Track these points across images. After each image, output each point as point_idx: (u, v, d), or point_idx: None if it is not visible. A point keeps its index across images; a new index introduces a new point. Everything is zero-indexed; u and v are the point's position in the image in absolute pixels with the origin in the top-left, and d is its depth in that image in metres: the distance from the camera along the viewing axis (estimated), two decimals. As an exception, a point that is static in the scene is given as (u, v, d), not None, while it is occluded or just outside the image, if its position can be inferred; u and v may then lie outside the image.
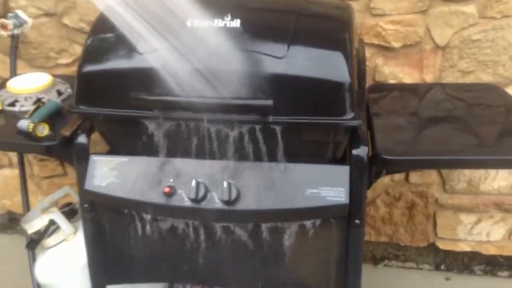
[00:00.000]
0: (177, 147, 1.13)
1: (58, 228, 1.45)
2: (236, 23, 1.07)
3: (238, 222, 1.15)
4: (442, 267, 1.92)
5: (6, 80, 1.45)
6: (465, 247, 1.83)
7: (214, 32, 1.05)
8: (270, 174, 1.11)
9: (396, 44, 1.53)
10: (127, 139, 1.17)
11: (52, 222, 1.45)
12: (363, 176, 1.11)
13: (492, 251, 1.82)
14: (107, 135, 1.20)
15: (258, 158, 1.10)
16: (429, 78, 1.56)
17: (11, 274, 1.88)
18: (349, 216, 1.12)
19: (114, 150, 1.22)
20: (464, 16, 1.49)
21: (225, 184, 1.10)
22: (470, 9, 1.48)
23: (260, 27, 1.09)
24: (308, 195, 1.10)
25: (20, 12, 1.59)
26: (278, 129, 1.05)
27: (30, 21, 1.59)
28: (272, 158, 1.10)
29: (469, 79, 1.55)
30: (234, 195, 1.10)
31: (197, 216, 1.15)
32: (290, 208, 1.10)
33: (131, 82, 1.08)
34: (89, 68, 1.12)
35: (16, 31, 1.57)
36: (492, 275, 1.89)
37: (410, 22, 1.51)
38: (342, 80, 1.03)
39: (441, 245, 1.85)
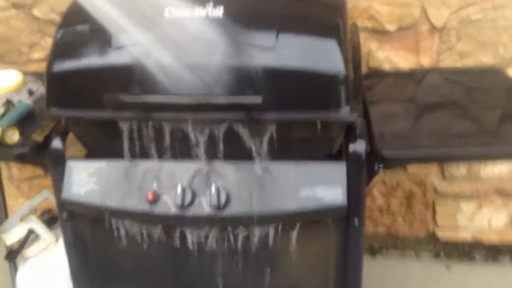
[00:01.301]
0: (160, 148, 1.03)
1: (38, 236, 1.37)
2: (219, 11, 0.97)
3: (229, 228, 1.07)
4: (442, 255, 1.87)
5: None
6: (465, 236, 1.77)
7: (195, 22, 0.96)
8: (261, 174, 1.03)
9: (390, 27, 1.44)
10: (105, 142, 1.08)
11: (31, 231, 1.37)
12: (361, 173, 1.03)
13: (493, 238, 1.76)
14: (83, 138, 1.10)
15: (247, 157, 1.02)
16: (426, 61, 1.48)
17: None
18: (347, 217, 1.05)
19: (92, 153, 1.13)
20: (462, -6, 1.41)
21: (213, 188, 1.02)
22: (468, -13, 1.41)
23: (245, 15, 1.00)
24: (302, 196, 1.02)
25: (-15, 5, 1.48)
26: (268, 126, 0.97)
27: (-2, 14, 1.49)
28: (263, 156, 1.02)
29: (468, 61, 1.48)
30: (223, 199, 1.02)
31: (185, 223, 1.07)
32: (284, 210, 1.02)
33: (106, 80, 0.98)
34: (59, 66, 1.02)
35: (-18, 26, 1.46)
36: (494, 261, 1.84)
37: (405, 2, 1.43)
38: (336, 71, 0.95)
39: (441, 234, 1.79)
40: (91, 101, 0.98)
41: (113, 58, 0.97)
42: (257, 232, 1.07)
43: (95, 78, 0.99)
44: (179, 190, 1.02)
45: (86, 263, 1.20)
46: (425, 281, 1.82)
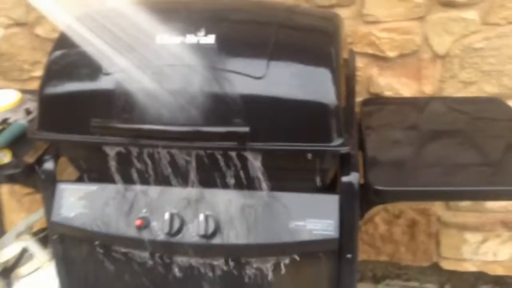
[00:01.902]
0: (149, 174, 1.02)
1: (32, 255, 1.37)
2: (211, 39, 0.96)
3: (216, 257, 1.04)
4: (447, 287, 1.81)
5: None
6: (470, 267, 1.71)
7: (185, 49, 0.95)
8: (251, 204, 1.00)
9: (391, 54, 1.42)
10: (96, 166, 1.08)
11: (26, 250, 1.36)
12: (354, 206, 1.00)
13: (499, 271, 1.70)
14: (74, 161, 1.10)
15: (237, 186, 1.00)
16: (428, 89, 1.45)
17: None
18: (339, 250, 1.02)
19: (83, 176, 1.12)
20: (465, 22, 1.38)
21: (201, 216, 1.00)
22: (471, 15, 1.37)
23: (237, 43, 0.99)
24: (293, 228, 0.99)
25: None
26: (256, 156, 0.95)
27: (1, 31, 1.50)
28: (253, 186, 1.00)
29: (472, 90, 1.44)
30: (211, 228, 1.00)
31: (172, 250, 1.05)
32: (273, 242, 1.00)
33: (95, 105, 0.98)
34: (50, 90, 1.02)
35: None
36: (501, 293, 1.78)
37: (406, 29, 1.40)
38: (327, 102, 0.92)
39: (445, 265, 1.73)
40: (81, 126, 0.97)
41: (102, 84, 0.97)
42: (245, 262, 1.04)
43: (85, 103, 0.99)
44: (166, 217, 1.01)
45: (76, 284, 1.19)
46: (429, 312, 1.77)
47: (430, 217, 1.65)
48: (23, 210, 1.91)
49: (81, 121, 0.97)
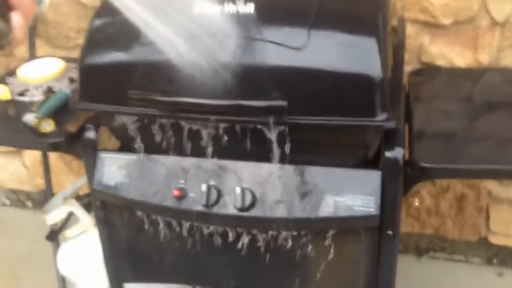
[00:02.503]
0: (189, 146, 1.01)
1: (78, 219, 1.41)
2: (250, 7, 0.92)
3: (253, 229, 1.04)
4: (495, 261, 1.75)
5: (19, 65, 1.38)
6: (521, 244, 1.65)
7: (223, 19, 0.91)
8: (289, 178, 0.98)
9: (445, 21, 1.32)
10: (134, 138, 1.08)
11: (71, 213, 1.40)
12: (397, 183, 0.96)
13: (552, 248, 1.63)
14: (116, 132, 1.10)
15: (275, 160, 0.97)
16: (484, 59, 1.35)
17: (43, 253, 1.88)
18: (380, 226, 0.99)
19: (124, 146, 1.12)
20: (528, -15, 1.27)
21: (238, 189, 0.99)
22: (536, -24, 1.26)
23: (276, 12, 0.94)
24: (332, 203, 0.97)
25: (37, -9, 1.50)
26: (296, 130, 0.92)
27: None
28: (291, 160, 0.97)
29: (533, 59, 1.34)
30: (248, 201, 0.98)
31: (209, 221, 1.05)
32: (311, 217, 0.98)
33: (134, 76, 0.96)
34: (91, 59, 1.00)
35: (34, 11, 1.49)
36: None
37: (462, -6, 1.31)
38: (372, 75, 0.87)
39: (494, 240, 1.67)
40: (120, 97, 0.97)
41: (141, 54, 0.95)
42: (281, 236, 1.03)
43: (124, 73, 0.97)
44: (204, 189, 1.01)
45: (118, 249, 1.22)
46: (474, 286, 1.72)
47: (480, 191, 1.58)
48: (72, 173, 1.98)
49: (120, 92, 0.97)
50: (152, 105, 0.93)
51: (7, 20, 0.52)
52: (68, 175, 1.96)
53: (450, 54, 1.37)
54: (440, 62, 1.39)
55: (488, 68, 1.36)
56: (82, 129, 1.11)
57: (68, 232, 1.40)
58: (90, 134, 1.10)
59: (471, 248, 1.74)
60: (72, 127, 1.11)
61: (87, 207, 1.43)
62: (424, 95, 1.19)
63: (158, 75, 0.93)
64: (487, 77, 1.30)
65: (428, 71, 1.35)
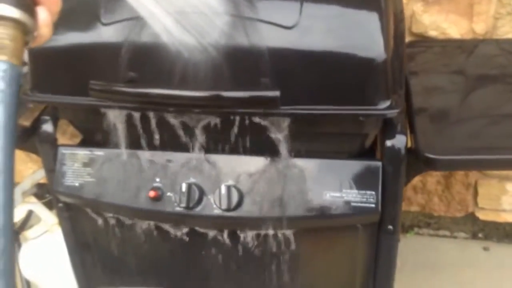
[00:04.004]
0: (160, 139, 0.88)
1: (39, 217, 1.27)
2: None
3: (240, 230, 0.93)
4: (480, 235, 1.71)
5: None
6: (510, 218, 1.60)
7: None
8: (280, 173, 0.87)
9: (438, -14, 1.22)
10: (100, 130, 0.94)
11: (32, 212, 1.27)
12: (399, 174, 0.86)
13: (540, 222, 1.59)
14: (78, 125, 0.96)
15: (263, 153, 0.86)
16: (480, 28, 1.25)
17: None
18: (380, 221, 0.89)
19: (87, 140, 0.99)
20: None
21: (223, 188, 0.87)
22: None
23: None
24: (327, 199, 0.86)
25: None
26: (287, 122, 0.80)
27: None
28: (281, 153, 0.85)
29: (531, 28, 1.25)
30: (235, 200, 0.87)
31: (190, 222, 0.94)
32: (304, 215, 0.87)
33: (95, 62, 0.82)
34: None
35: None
36: (538, 243, 1.68)
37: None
38: (373, 57, 0.76)
39: (482, 215, 1.62)
40: (79, 87, 0.82)
41: (104, 36, 0.81)
42: (271, 235, 0.93)
43: (83, 58, 0.83)
44: (184, 189, 0.88)
45: (85, 252, 1.09)
46: (460, 261, 1.67)
47: (468, 167, 1.51)
48: (31, 161, 1.82)
49: (80, 81, 0.82)
50: (117, 97, 0.79)
51: (33, 15, 0.48)
52: (27, 163, 1.80)
53: (443, 23, 1.26)
54: (433, 33, 1.28)
55: (483, 38, 1.26)
56: (37, 122, 0.96)
57: (29, 233, 1.27)
58: (47, 127, 0.96)
59: (457, 223, 1.69)
60: (25, 121, 0.96)
61: (49, 204, 1.30)
62: (419, 70, 1.09)
63: (124, 61, 0.79)
64: (482, 49, 1.21)
65: (421, 43, 1.25)
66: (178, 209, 0.90)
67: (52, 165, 0.96)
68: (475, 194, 1.57)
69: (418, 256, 1.67)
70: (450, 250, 1.71)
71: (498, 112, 0.98)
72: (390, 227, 0.90)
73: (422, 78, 1.07)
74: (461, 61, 1.18)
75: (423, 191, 1.59)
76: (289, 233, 0.92)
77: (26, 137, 0.96)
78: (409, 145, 0.86)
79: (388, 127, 0.85)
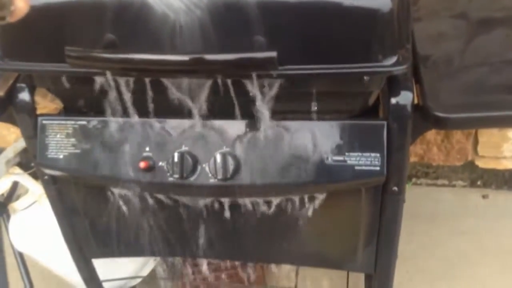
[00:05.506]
0: (152, 104, 0.81)
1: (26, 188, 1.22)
2: None
3: (236, 198, 0.88)
4: (479, 183, 1.69)
5: None
6: (510, 165, 1.57)
7: None
8: (279, 137, 0.81)
9: None
10: (82, 98, 0.87)
11: (17, 183, 1.21)
12: (405, 134, 0.81)
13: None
14: (57, 92, 0.89)
15: (259, 116, 0.80)
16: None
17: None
18: (385, 183, 0.85)
19: (69, 108, 0.91)
20: None
21: (218, 157, 0.82)
22: None
23: None
24: (330, 163, 0.81)
25: None
26: (284, 83, 0.74)
27: None
28: (281, 116, 0.80)
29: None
30: (231, 169, 0.82)
31: (185, 193, 0.89)
32: (306, 181, 0.82)
33: (71, 24, 0.74)
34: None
35: None
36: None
37: None
38: (379, 6, 0.68)
39: (481, 163, 1.59)
40: (54, 52, 0.75)
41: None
42: (272, 202, 0.89)
43: (57, 19, 0.74)
44: (176, 159, 0.83)
45: (76, 223, 1.04)
46: (458, 210, 1.66)
47: (469, 116, 1.47)
48: (14, 127, 1.74)
49: (55, 46, 0.74)
50: (97, 64, 0.72)
51: None
52: (9, 128, 1.72)
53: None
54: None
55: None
56: (13, 91, 0.89)
57: (17, 204, 1.21)
58: (24, 96, 0.88)
59: (455, 172, 1.67)
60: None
61: (35, 175, 1.24)
62: (422, 15, 1.02)
63: (102, 23, 0.71)
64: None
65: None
66: (171, 179, 0.84)
67: (33, 137, 0.90)
68: (475, 142, 1.54)
69: (416, 206, 1.65)
70: (449, 199, 1.69)
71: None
72: (395, 188, 0.86)
73: (425, 25, 0.99)
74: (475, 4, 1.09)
75: (422, 142, 1.56)
76: (289, 198, 0.88)
77: (2, 108, 0.89)
78: (415, 101, 0.81)
79: (392, 83, 0.79)
